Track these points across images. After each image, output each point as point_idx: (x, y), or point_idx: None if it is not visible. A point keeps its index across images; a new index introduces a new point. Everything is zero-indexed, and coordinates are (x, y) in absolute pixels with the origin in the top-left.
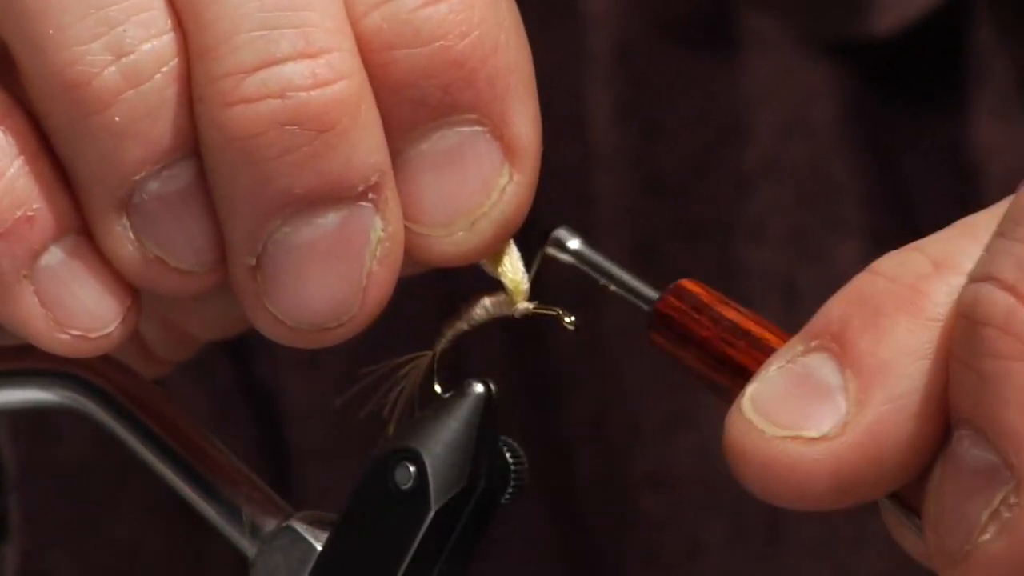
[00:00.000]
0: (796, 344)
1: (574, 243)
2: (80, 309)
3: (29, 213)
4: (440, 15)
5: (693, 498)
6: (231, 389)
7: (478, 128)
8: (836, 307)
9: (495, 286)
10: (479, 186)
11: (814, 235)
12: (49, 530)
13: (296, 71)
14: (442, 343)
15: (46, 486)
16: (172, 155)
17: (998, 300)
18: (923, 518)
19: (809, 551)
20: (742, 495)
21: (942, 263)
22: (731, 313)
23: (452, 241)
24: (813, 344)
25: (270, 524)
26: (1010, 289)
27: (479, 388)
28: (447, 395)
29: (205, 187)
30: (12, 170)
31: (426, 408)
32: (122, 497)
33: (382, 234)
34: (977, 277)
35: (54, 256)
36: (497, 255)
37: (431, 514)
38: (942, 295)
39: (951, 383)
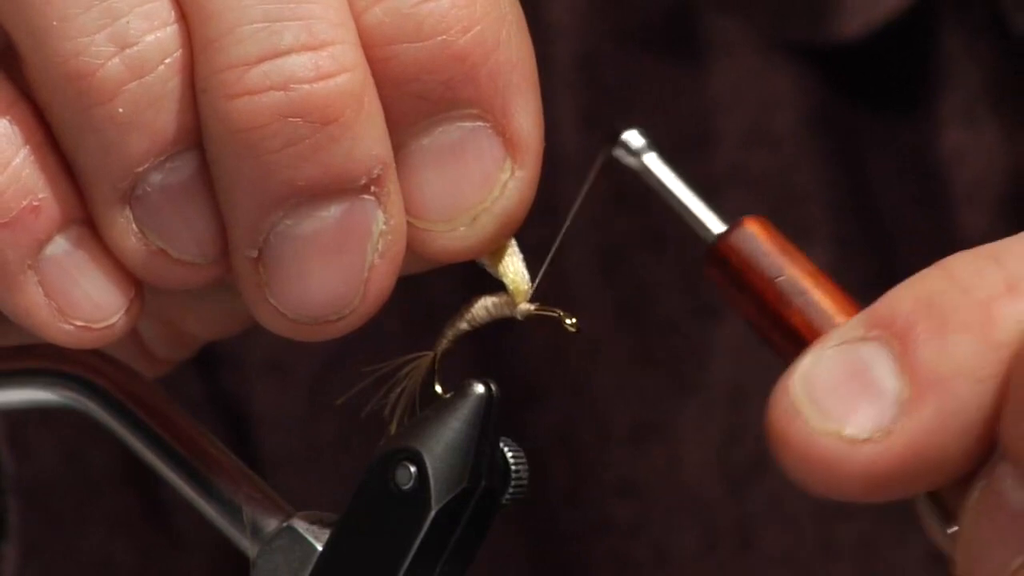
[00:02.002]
0: (857, 327)
1: (643, 150)
2: (84, 299)
3: (35, 203)
4: (442, 10)
5: (663, 507)
6: (200, 399)
7: (480, 123)
8: (904, 302)
9: (464, 293)
10: (481, 181)
11: None
12: (22, 547)
13: (299, 63)
14: (443, 343)
15: (17, 503)
16: (175, 146)
17: None
18: (957, 544)
19: (778, 560)
20: (711, 503)
21: (1016, 285)
22: (792, 266)
23: (453, 236)
24: (874, 333)
25: (271, 524)
26: None
27: (480, 388)
28: (448, 395)
29: (208, 179)
30: (18, 160)
31: (427, 408)
32: (92, 513)
33: (384, 227)
34: None
35: (59, 246)
36: (498, 254)
37: (432, 514)
38: (1012, 321)
39: (1005, 416)
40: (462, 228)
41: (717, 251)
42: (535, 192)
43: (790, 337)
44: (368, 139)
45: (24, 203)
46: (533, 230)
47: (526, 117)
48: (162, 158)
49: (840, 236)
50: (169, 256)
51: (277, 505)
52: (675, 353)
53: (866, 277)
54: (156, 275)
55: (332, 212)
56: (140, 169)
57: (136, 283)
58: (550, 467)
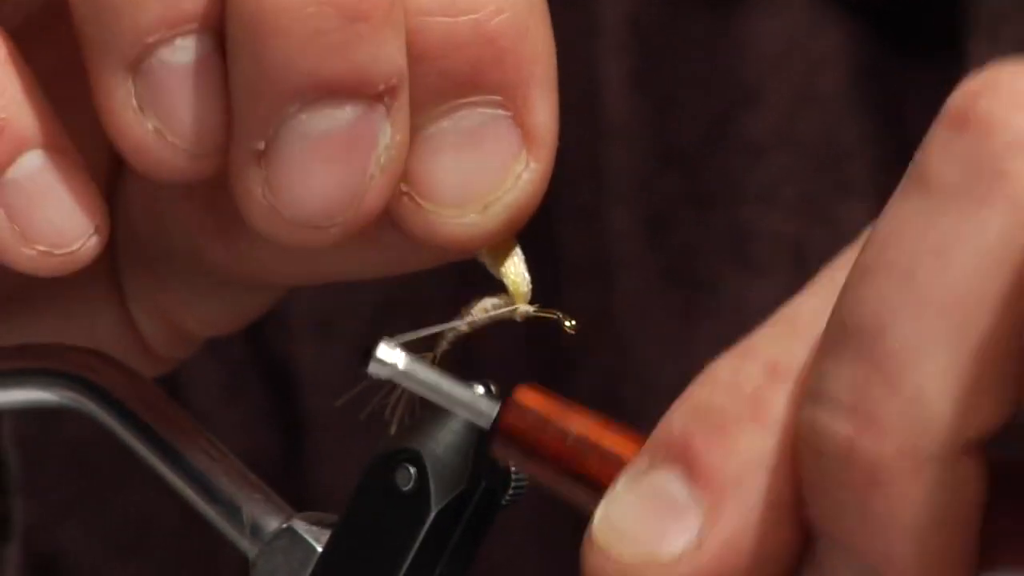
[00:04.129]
0: (642, 459)
1: (396, 359)
2: (47, 223)
3: None
4: None
5: None
6: (243, 360)
7: (501, 111)
8: (678, 420)
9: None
10: (497, 170)
11: (824, 199)
12: (60, 504)
13: None
14: (442, 345)
15: (56, 461)
16: (191, 22)
17: (838, 431)
18: None
19: None
20: None
21: (775, 369)
22: (577, 424)
23: (462, 223)
24: (659, 458)
25: (271, 525)
26: (847, 416)
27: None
28: None
29: (220, 67)
30: None
31: (426, 409)
32: (134, 472)
33: (389, 141)
34: (812, 395)
35: (22, 168)
36: (502, 252)
37: (432, 515)
38: (781, 403)
39: (806, 496)
40: (472, 215)
41: (500, 434)
42: (545, 187)
43: (595, 490)
44: (392, 46)
45: None
46: (578, 193)
47: (546, 111)
48: (176, 32)
49: (882, 191)
50: (164, 139)
51: (277, 506)
52: (718, 312)
53: None
54: (146, 157)
55: (347, 113)
56: (151, 39)
57: (102, 211)
58: None
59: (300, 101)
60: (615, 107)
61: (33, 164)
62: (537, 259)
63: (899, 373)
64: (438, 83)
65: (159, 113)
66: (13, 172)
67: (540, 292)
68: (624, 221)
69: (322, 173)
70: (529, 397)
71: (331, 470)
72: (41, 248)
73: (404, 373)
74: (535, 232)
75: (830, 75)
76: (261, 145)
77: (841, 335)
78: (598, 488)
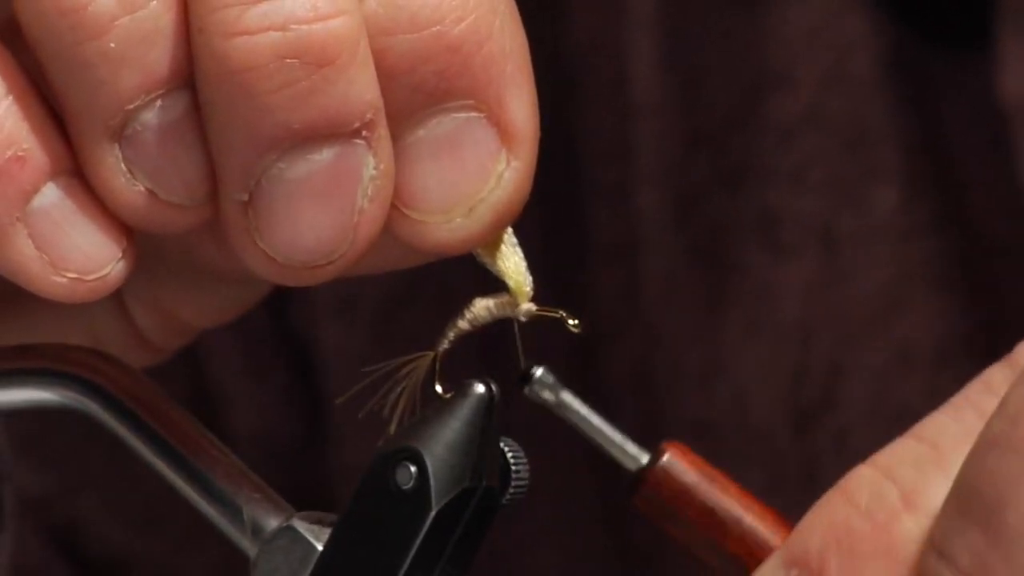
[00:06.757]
0: (777, 566)
1: (556, 386)
2: (75, 250)
3: (20, 153)
4: (435, 1)
5: (731, 445)
6: (264, 337)
7: (474, 114)
8: (815, 536)
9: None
10: (477, 172)
11: (852, 181)
12: (79, 473)
13: (298, 4)
14: (444, 343)
15: (73, 432)
16: (167, 84)
17: None
18: None
19: None
20: (778, 441)
21: (911, 500)
22: (721, 492)
23: (450, 228)
24: (794, 573)
25: (271, 524)
26: None
27: (480, 388)
28: (448, 395)
29: (198, 119)
30: (1, 109)
31: (427, 408)
32: None
33: (374, 172)
34: (937, 548)
35: (47, 197)
36: (496, 248)
37: (432, 514)
38: (912, 538)
39: None
40: (459, 220)
41: (645, 481)
42: (531, 183)
43: (731, 562)
44: (362, 82)
45: (9, 154)
46: (606, 173)
47: (521, 107)
48: (153, 95)
49: (911, 175)
50: (157, 198)
51: (277, 505)
52: (746, 294)
53: (932, 217)
54: (144, 217)
55: (324, 155)
56: (131, 107)
57: (128, 234)
58: (623, 408)
59: (277, 151)
60: (644, 87)
61: (56, 192)
62: (564, 239)
63: (1014, 548)
64: (410, 97)
65: (149, 173)
66: (38, 201)
67: (567, 272)
68: (652, 201)
69: (309, 215)
70: (680, 452)
71: (352, 451)
72: (71, 275)
73: (562, 401)
74: (562, 212)
75: (859, 59)
76: (245, 196)
77: (967, 498)
78: (738, 563)
